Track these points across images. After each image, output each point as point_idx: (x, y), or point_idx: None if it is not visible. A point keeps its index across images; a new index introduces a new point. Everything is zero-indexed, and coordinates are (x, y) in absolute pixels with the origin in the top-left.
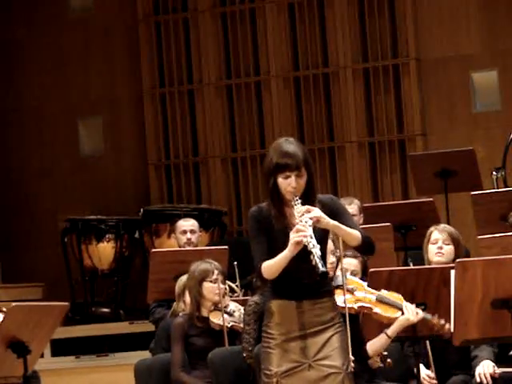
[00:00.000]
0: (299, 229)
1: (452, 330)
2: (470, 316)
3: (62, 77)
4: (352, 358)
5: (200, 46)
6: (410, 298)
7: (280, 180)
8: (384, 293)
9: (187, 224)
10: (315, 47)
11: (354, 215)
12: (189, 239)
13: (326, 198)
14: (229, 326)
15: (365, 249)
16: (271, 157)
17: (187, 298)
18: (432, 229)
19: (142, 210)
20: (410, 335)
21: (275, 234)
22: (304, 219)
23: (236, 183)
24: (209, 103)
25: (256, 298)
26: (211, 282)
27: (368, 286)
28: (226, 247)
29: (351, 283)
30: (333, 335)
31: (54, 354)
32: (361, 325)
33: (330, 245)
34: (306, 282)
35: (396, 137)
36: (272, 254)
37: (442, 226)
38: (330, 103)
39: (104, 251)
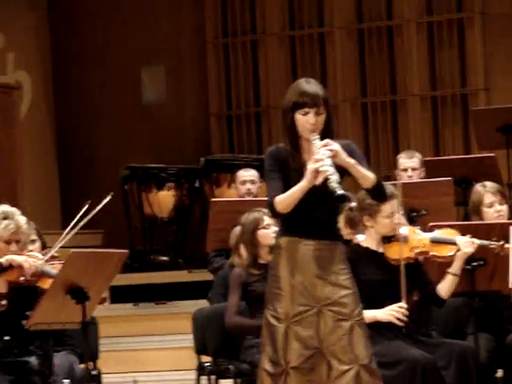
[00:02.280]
0: (317, 159)
1: (510, 285)
2: None
3: (125, 25)
4: (404, 304)
5: None
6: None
7: (298, 117)
8: (437, 233)
9: (247, 174)
10: None
11: (415, 169)
12: (248, 189)
13: (345, 141)
14: None
15: (376, 192)
16: (290, 94)
17: (242, 250)
18: (480, 189)
19: (202, 159)
20: (468, 290)
21: (291, 172)
22: (322, 152)
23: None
24: (272, 54)
25: None
26: (264, 228)
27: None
28: None
29: (403, 232)
30: (343, 280)
31: (113, 300)
32: (425, 270)
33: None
34: (317, 221)
35: (459, 91)
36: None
37: (490, 185)
38: (393, 56)
39: (164, 199)
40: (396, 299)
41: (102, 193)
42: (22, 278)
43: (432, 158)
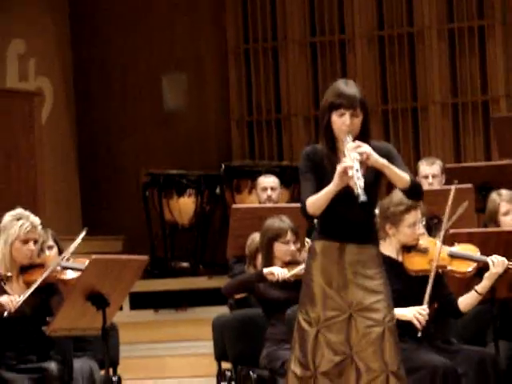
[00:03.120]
0: (345, 162)
1: None
2: None
3: (147, 33)
4: (426, 309)
5: (285, 2)
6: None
7: (334, 118)
8: (457, 247)
9: (268, 181)
10: (400, 6)
11: (435, 176)
12: (269, 196)
13: (381, 143)
14: (301, 273)
15: (412, 192)
16: (327, 95)
17: (259, 259)
18: (496, 197)
19: (223, 165)
20: (488, 297)
21: (326, 174)
22: (352, 154)
23: (317, 141)
24: (293, 60)
25: None
26: (283, 243)
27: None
28: None
29: (424, 243)
30: (376, 286)
31: (133, 307)
32: (445, 282)
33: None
34: (353, 224)
35: (480, 98)
36: None
37: (505, 192)
38: (414, 63)
39: (185, 206)
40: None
41: (123, 200)
42: (5, 314)
43: (453, 165)
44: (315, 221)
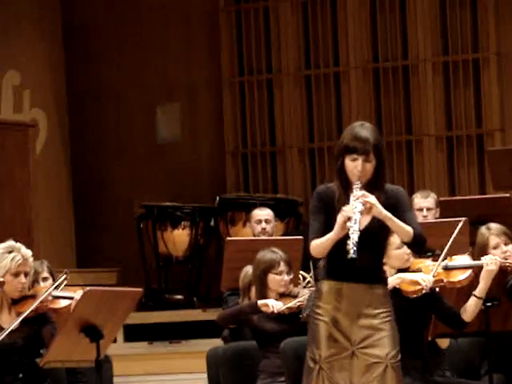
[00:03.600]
0: (346, 211)
1: None
2: None
3: (140, 62)
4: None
5: (280, 35)
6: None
7: (347, 162)
8: (447, 261)
9: (262, 213)
10: (395, 39)
11: (430, 209)
12: (264, 228)
13: (394, 188)
14: (296, 306)
15: (414, 246)
16: (343, 138)
17: (253, 292)
18: (485, 232)
19: (217, 197)
20: (483, 330)
21: (337, 214)
22: (355, 204)
23: (312, 173)
24: (287, 93)
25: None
26: (276, 274)
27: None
28: (301, 237)
29: (415, 264)
30: (381, 323)
31: (127, 339)
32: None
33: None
34: (359, 266)
35: (474, 131)
36: None
37: (494, 226)
38: (408, 96)
39: (179, 238)
40: (412, 336)
41: (117, 231)
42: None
43: (447, 198)
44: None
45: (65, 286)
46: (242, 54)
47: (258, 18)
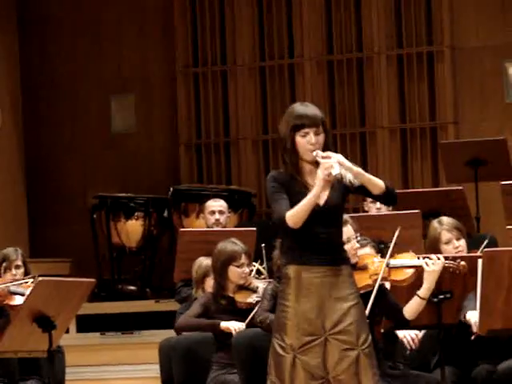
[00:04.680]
0: (326, 164)
1: (478, 320)
2: (496, 306)
3: (95, 53)
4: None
5: (235, 26)
6: (436, 287)
7: (298, 139)
8: (394, 258)
9: (216, 204)
10: (350, 31)
11: None
12: (217, 220)
13: None
14: (254, 302)
15: (387, 198)
16: (288, 118)
17: (207, 283)
18: (437, 226)
19: (171, 188)
20: (435, 323)
21: (293, 196)
22: (330, 160)
23: (266, 165)
24: (242, 84)
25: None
26: (238, 266)
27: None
28: (254, 229)
29: (362, 260)
30: (350, 307)
31: (80, 329)
32: (388, 293)
33: (349, 231)
34: (325, 246)
35: (428, 124)
36: None
37: (446, 220)
38: (362, 88)
39: (132, 229)
40: None
41: (70, 221)
42: None
43: (400, 191)
44: (262, 245)
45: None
46: (196, 46)
47: (212, 9)
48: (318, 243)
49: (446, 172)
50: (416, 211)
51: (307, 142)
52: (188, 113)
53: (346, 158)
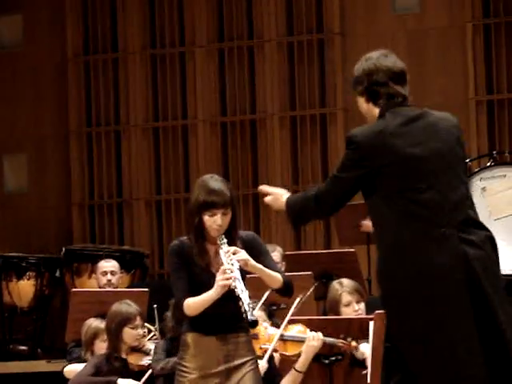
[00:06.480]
0: (226, 271)
1: (369, 380)
2: None
3: None
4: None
5: (129, 87)
6: (327, 350)
7: (206, 218)
8: (288, 330)
9: (108, 265)
10: (243, 93)
11: (276, 263)
12: (109, 280)
13: (248, 235)
14: (146, 364)
15: (285, 291)
16: (198, 194)
17: (97, 345)
18: (337, 287)
19: (63, 248)
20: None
21: (197, 270)
22: (230, 260)
23: (159, 226)
24: (135, 145)
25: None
26: (132, 328)
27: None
28: (147, 289)
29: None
30: (246, 373)
31: None
32: (275, 363)
33: None
34: (227, 319)
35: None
36: (192, 290)
37: (346, 283)
38: (256, 150)
39: (24, 289)
40: None
41: None
42: None
43: (293, 252)
44: (155, 306)
45: None
46: (90, 106)
47: (106, 69)
48: (217, 315)
49: (339, 234)
50: (308, 273)
51: (213, 222)
52: (81, 173)
53: (237, 212)
